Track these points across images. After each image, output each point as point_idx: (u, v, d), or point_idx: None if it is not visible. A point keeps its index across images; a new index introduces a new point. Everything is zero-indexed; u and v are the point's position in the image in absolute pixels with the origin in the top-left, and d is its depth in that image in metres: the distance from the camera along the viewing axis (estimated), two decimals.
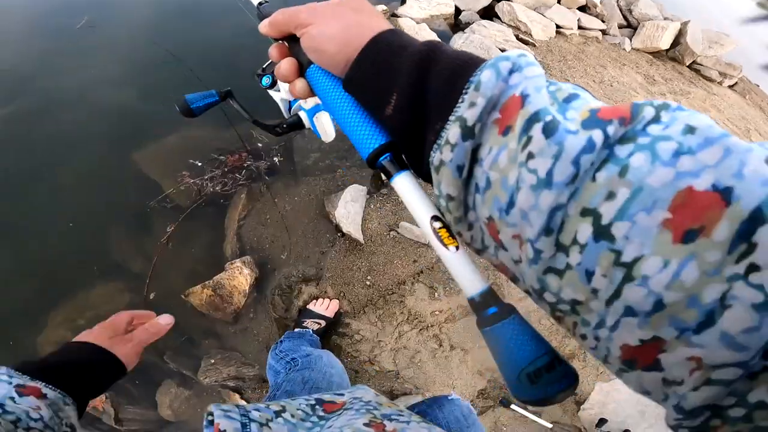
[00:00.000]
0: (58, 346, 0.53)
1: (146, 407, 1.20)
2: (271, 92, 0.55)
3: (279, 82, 0.48)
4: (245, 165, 1.53)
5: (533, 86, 0.24)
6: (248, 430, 0.36)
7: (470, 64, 0.27)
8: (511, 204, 0.24)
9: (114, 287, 1.32)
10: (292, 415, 0.41)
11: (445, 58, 0.29)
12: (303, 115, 0.57)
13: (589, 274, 0.22)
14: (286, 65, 0.39)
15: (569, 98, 0.25)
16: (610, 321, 0.21)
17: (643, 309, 0.20)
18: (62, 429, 0.47)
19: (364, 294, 1.43)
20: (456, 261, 0.29)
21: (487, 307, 0.28)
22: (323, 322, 1.35)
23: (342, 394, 0.49)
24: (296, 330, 1.31)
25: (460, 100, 0.26)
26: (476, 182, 0.27)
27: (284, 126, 0.57)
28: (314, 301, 1.42)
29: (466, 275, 0.29)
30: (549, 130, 0.22)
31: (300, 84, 0.39)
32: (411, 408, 0.77)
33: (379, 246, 1.49)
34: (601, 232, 0.21)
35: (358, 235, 1.44)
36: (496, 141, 0.25)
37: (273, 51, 0.41)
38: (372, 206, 1.54)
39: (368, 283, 1.44)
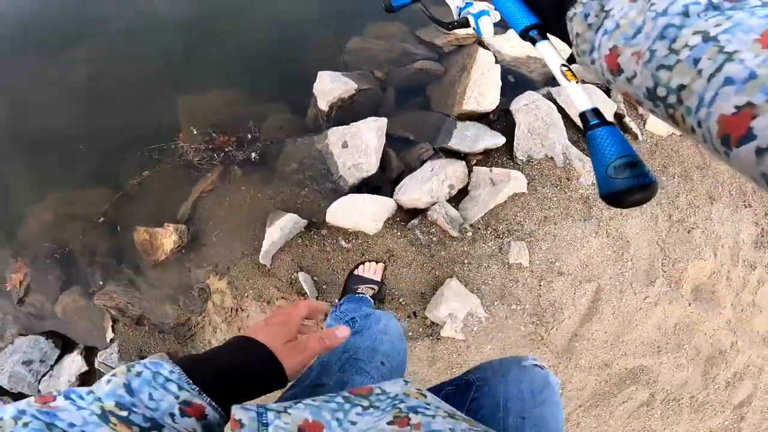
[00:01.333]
0: (229, 340, 0.49)
1: (48, 299, 1.56)
2: (447, 1, 0.71)
3: None
4: (226, 149, 1.69)
5: None
6: (264, 418, 0.36)
7: None
8: (637, 32, 0.32)
9: (85, 196, 1.67)
10: (314, 399, 0.42)
11: None
12: (470, 18, 0.70)
13: (696, 61, 0.27)
14: None
15: None
16: (709, 95, 0.26)
17: (740, 77, 0.25)
18: None
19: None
20: (575, 90, 0.42)
21: (592, 120, 0.39)
22: (376, 287, 1.43)
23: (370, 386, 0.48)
24: (355, 294, 1.36)
25: None
26: (605, 28, 0.35)
27: (455, 23, 0.71)
28: (361, 266, 1.51)
29: (580, 98, 0.41)
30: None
31: None
32: (476, 370, 0.77)
33: (277, 280, 1.55)
34: (709, 39, 0.27)
35: (266, 260, 1.53)
36: (624, 4, 0.34)
37: None
38: (300, 241, 1.58)
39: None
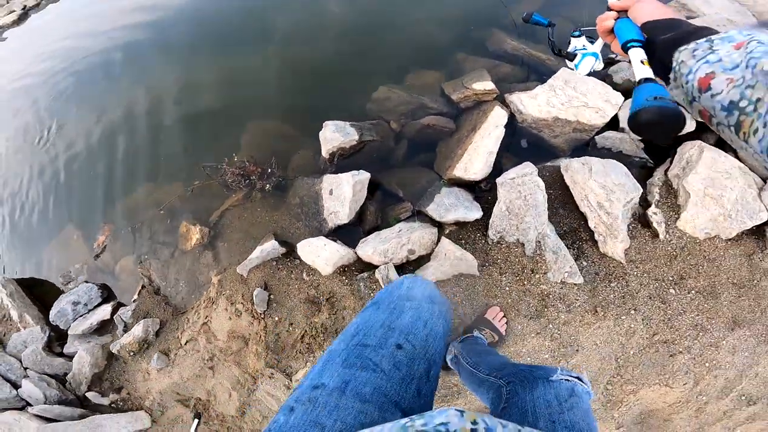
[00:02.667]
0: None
1: (113, 259, 2.25)
2: (572, 38, 0.89)
3: (582, 38, 0.88)
4: (251, 177, 2.11)
5: (755, 40, 0.46)
6: None
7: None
8: (735, 67, 0.46)
9: (161, 191, 2.30)
10: None
11: (712, 30, 0.54)
12: (579, 54, 0.86)
13: None
14: (612, 13, 0.73)
15: None
16: None
17: None
18: None
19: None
20: (646, 68, 0.60)
21: (647, 81, 0.56)
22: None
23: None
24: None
25: (713, 35, 0.52)
26: (707, 59, 0.49)
27: (563, 53, 0.88)
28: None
29: (647, 71, 0.59)
30: (761, 50, 0.44)
31: (610, 21, 0.72)
32: (507, 374, 0.88)
33: (245, 289, 1.90)
34: None
35: (243, 270, 1.91)
36: (730, 50, 0.48)
37: (606, 14, 0.73)
38: (275, 263, 1.93)
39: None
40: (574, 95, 1.91)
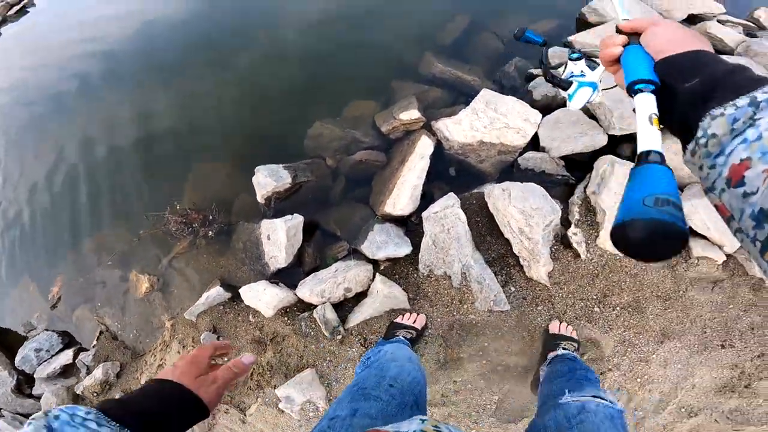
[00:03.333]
0: (143, 385, 0.54)
1: (69, 308, 2.33)
2: (569, 61, 0.76)
3: (581, 62, 0.75)
4: (194, 225, 2.17)
5: None
6: None
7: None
8: None
9: (109, 239, 2.36)
10: None
11: (751, 72, 0.42)
12: (575, 83, 0.75)
13: None
14: (619, 38, 0.58)
15: None
16: None
17: None
18: None
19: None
20: (653, 131, 0.44)
21: (655, 158, 0.41)
22: (414, 332, 1.67)
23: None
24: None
25: (755, 89, 0.38)
26: (745, 136, 0.36)
27: (557, 80, 0.76)
28: (401, 315, 1.76)
29: (654, 138, 0.43)
30: None
31: (617, 49, 0.57)
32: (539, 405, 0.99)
33: (196, 332, 1.97)
34: None
35: (191, 316, 1.98)
36: None
37: (616, 35, 0.59)
38: (222, 307, 1.99)
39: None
40: (495, 116, 1.95)
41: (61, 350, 2.35)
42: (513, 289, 1.80)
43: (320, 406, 1.76)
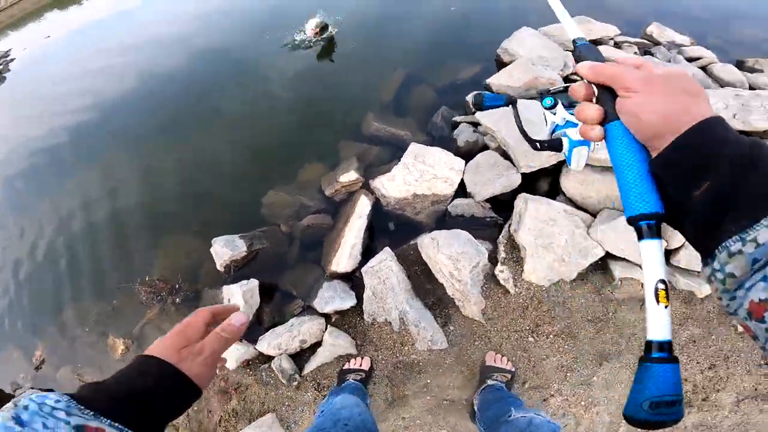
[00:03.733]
0: (124, 365, 0.49)
1: (54, 368, 2.52)
2: (545, 111, 0.61)
3: (559, 108, 0.59)
4: (161, 294, 2.37)
5: None
6: None
7: None
8: None
9: (84, 309, 2.57)
10: None
11: (766, 163, 0.34)
12: (565, 141, 0.60)
13: None
14: (593, 112, 0.45)
15: None
16: None
17: None
18: None
19: None
20: (662, 314, 0.38)
21: (659, 352, 0.37)
22: (363, 374, 1.79)
23: None
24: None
25: None
26: (765, 273, 0.32)
27: (545, 144, 0.62)
28: (348, 361, 1.89)
29: (663, 325, 0.38)
30: None
31: (598, 131, 0.45)
32: (490, 423, 1.11)
33: None
34: None
35: None
36: None
37: (579, 89, 0.48)
38: None
39: None
40: (424, 169, 2.15)
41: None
42: (452, 328, 1.94)
43: None
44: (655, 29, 2.68)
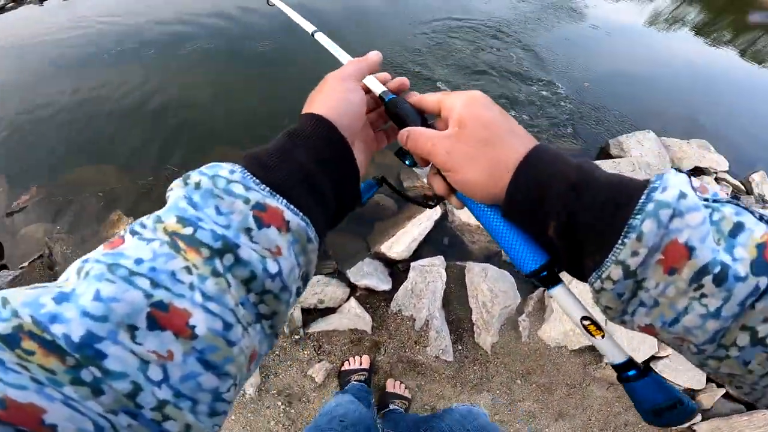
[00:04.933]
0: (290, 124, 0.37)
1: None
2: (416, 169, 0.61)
3: None
4: None
5: (698, 236, 0.27)
6: None
7: (623, 195, 0.31)
8: (675, 321, 0.29)
9: (99, 171, 2.38)
10: None
11: (597, 186, 0.32)
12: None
13: (747, 362, 0.28)
14: (437, 185, 0.43)
15: (735, 231, 0.28)
16: (765, 382, 0.29)
17: None
18: (296, 284, 0.33)
19: None
20: (603, 344, 0.38)
21: (628, 370, 0.37)
22: (365, 373, 1.80)
23: None
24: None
25: (620, 243, 0.29)
26: (641, 299, 0.31)
27: (434, 202, 0.59)
28: (346, 362, 1.89)
29: (611, 352, 0.38)
30: (719, 280, 0.27)
31: (455, 200, 0.43)
32: (421, 420, 1.09)
33: None
34: (757, 341, 0.27)
35: None
36: (662, 278, 0.29)
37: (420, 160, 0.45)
38: None
39: None
40: None
41: None
42: (460, 347, 2.11)
43: (249, 393, 1.90)
44: (757, 177, 2.67)
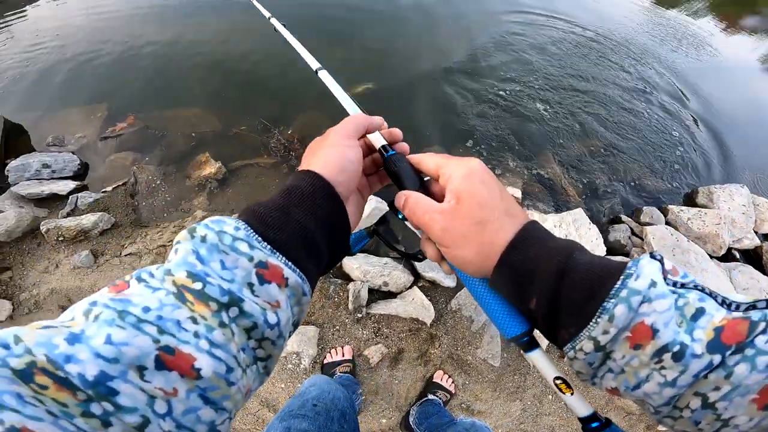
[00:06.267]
0: (288, 180, 0.40)
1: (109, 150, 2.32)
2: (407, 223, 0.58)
3: None
4: (291, 152, 2.25)
5: (662, 321, 0.32)
6: None
7: (601, 279, 0.35)
8: (637, 386, 0.34)
9: (196, 114, 2.34)
10: None
11: (579, 270, 0.36)
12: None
13: (697, 423, 0.33)
14: (430, 251, 0.47)
15: (696, 315, 0.32)
16: None
17: None
18: (288, 330, 0.36)
19: None
20: (571, 400, 0.42)
21: (592, 422, 0.40)
22: (350, 365, 1.79)
23: None
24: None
25: (594, 322, 0.34)
26: (609, 367, 0.36)
27: (423, 255, 0.58)
28: (328, 354, 1.87)
29: (578, 406, 0.41)
30: (677, 357, 0.31)
31: (446, 267, 0.47)
32: (434, 427, 1.15)
33: None
34: (708, 406, 0.31)
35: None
36: (628, 351, 0.34)
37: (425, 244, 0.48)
38: None
39: None
40: (569, 232, 2.30)
41: (66, 179, 2.14)
42: (506, 355, 2.20)
43: (304, 363, 1.94)
44: None
